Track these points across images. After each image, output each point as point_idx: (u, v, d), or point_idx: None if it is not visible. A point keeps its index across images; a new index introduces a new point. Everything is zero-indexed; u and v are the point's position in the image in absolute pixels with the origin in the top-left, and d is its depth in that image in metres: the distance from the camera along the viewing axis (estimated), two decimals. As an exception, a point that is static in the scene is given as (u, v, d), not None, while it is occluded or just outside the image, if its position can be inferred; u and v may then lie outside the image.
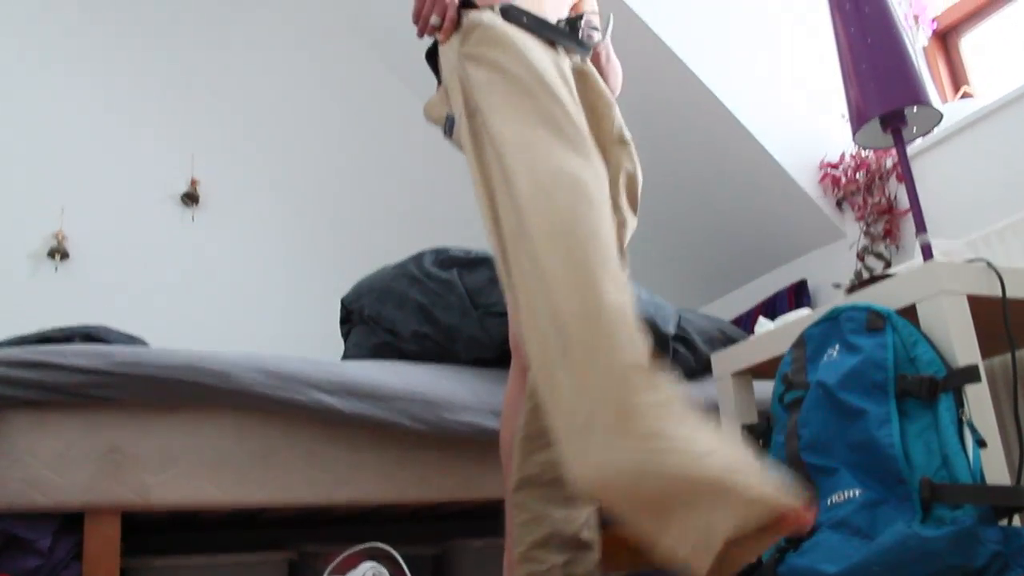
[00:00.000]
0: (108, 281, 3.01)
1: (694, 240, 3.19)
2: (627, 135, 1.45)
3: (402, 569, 1.68)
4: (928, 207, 2.37)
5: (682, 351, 2.26)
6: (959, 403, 1.17)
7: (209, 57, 3.41)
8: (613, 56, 1.57)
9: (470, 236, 2.76)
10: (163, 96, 3.30)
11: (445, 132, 1.33)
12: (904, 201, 2.55)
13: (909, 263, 1.76)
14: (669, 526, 0.93)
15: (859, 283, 1.55)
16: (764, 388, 1.91)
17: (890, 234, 2.55)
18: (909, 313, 1.33)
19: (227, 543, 2.21)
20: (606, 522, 1.29)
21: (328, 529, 2.36)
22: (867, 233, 2.59)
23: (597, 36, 1.44)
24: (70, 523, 1.59)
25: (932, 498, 1.09)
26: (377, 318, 2.22)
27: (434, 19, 1.31)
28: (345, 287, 2.46)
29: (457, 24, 1.31)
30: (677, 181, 3.00)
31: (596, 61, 1.49)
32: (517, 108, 1.18)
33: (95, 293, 2.96)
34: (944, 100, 2.62)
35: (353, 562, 1.64)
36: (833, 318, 1.37)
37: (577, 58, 1.41)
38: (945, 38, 2.68)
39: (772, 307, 2.86)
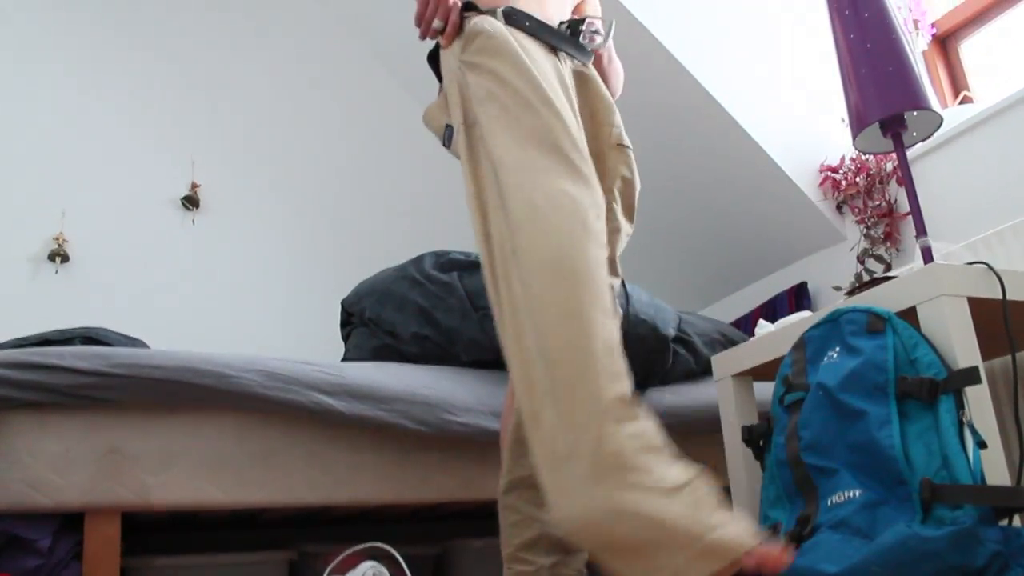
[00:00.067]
0: (108, 284, 3.01)
1: (694, 243, 3.19)
2: (626, 140, 1.44)
3: (402, 569, 1.68)
4: (928, 210, 2.38)
5: (682, 353, 2.26)
6: (959, 405, 1.17)
7: (209, 61, 3.42)
8: (615, 58, 1.57)
9: (470, 239, 2.76)
10: (164, 100, 3.31)
11: (443, 142, 1.32)
12: (904, 204, 2.55)
13: (909, 266, 1.77)
14: (640, 568, 0.94)
15: (859, 285, 1.55)
16: (764, 390, 1.91)
17: (890, 237, 2.56)
18: (909, 315, 1.33)
19: (227, 543, 2.21)
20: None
21: (328, 529, 2.35)
22: (867, 236, 2.60)
23: (599, 40, 1.43)
24: (70, 523, 1.59)
25: (932, 499, 1.09)
26: (377, 320, 2.23)
27: (437, 23, 1.30)
28: (345, 290, 2.46)
29: (460, 28, 1.30)
30: (677, 184, 3.00)
31: (598, 63, 1.48)
32: (516, 124, 1.17)
33: (95, 296, 2.97)
34: (944, 105, 2.63)
35: (353, 562, 1.64)
36: (833, 320, 1.37)
37: (578, 62, 1.41)
38: (945, 43, 2.69)
39: (772, 309, 2.86)
